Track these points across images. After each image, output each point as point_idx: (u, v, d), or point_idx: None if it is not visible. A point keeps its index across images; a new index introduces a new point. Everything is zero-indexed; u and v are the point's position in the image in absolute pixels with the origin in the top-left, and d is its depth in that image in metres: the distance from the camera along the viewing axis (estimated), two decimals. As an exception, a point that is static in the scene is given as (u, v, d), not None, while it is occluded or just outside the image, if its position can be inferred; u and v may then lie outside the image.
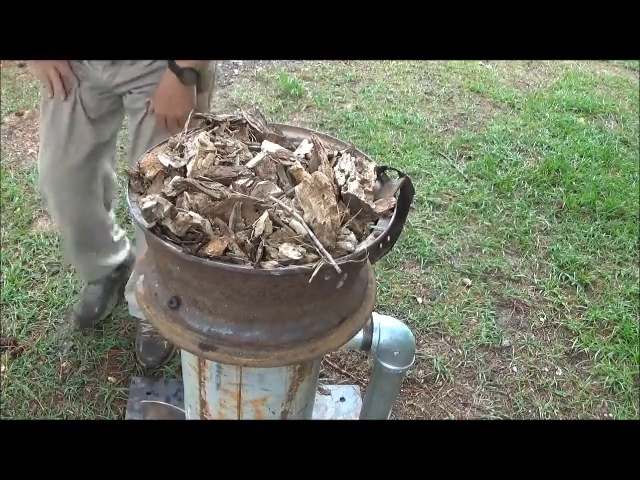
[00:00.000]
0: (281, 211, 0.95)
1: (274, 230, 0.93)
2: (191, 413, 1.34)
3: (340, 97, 3.73)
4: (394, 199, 1.05)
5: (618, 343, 2.18)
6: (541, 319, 2.28)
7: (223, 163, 1.03)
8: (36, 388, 1.84)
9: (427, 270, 2.44)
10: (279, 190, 1.01)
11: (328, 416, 1.84)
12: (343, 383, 1.97)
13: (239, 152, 1.06)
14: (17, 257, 2.29)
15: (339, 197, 1.01)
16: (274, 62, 4.08)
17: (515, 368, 2.08)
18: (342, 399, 1.89)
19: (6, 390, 1.82)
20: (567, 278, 2.46)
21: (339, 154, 1.12)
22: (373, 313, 1.29)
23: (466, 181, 3.02)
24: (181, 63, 1.46)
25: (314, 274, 0.88)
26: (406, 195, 1.10)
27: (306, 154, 1.11)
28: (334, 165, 1.08)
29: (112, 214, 1.99)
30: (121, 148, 2.63)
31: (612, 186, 3.03)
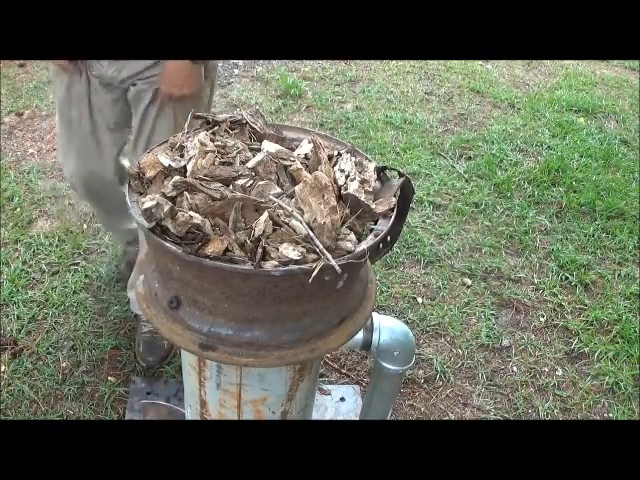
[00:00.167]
0: (281, 211, 0.95)
1: (274, 230, 0.93)
2: (191, 413, 1.34)
3: (340, 97, 3.73)
4: (394, 199, 1.05)
5: (618, 343, 2.18)
6: (541, 319, 2.28)
7: (223, 163, 1.03)
8: (36, 388, 1.84)
9: (427, 270, 2.44)
10: (279, 190, 1.01)
11: (328, 416, 1.84)
12: (343, 383, 1.97)
13: (239, 152, 1.06)
14: (17, 257, 2.29)
15: (339, 197, 1.01)
16: (274, 62, 4.08)
17: (515, 368, 2.08)
18: (342, 399, 1.89)
19: (6, 390, 1.82)
20: (567, 278, 2.46)
21: (339, 154, 1.12)
22: (373, 313, 1.29)
23: (466, 181, 3.02)
24: None
25: (314, 274, 0.88)
26: (406, 195, 1.10)
27: (306, 154, 1.11)
28: (334, 165, 1.08)
29: None
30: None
31: (612, 186, 3.03)
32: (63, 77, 1.69)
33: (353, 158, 1.09)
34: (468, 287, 2.38)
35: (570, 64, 4.53)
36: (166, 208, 0.91)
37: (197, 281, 0.96)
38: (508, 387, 2.01)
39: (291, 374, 1.18)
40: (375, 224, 1.01)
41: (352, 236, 0.97)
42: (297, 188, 0.96)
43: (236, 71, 3.96)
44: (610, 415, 1.95)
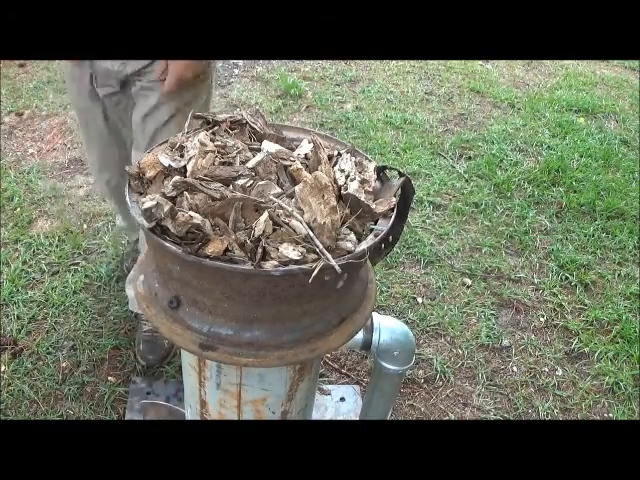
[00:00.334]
0: (281, 211, 0.94)
1: (274, 230, 0.93)
2: (191, 413, 1.34)
3: (340, 97, 3.73)
4: (394, 199, 1.05)
5: (618, 343, 2.18)
6: (541, 319, 2.28)
7: (223, 163, 1.03)
8: (36, 388, 1.84)
9: (427, 270, 2.44)
10: (279, 190, 1.00)
11: (328, 416, 1.84)
12: (343, 383, 1.97)
13: (239, 152, 1.06)
14: (17, 257, 2.29)
15: (339, 197, 1.01)
16: (274, 62, 4.09)
17: (515, 368, 2.08)
18: (342, 399, 1.89)
19: (6, 390, 1.82)
20: (567, 278, 2.46)
21: (339, 154, 1.12)
22: (373, 313, 1.29)
23: (466, 181, 3.02)
24: None
25: (314, 274, 0.88)
26: (406, 195, 1.10)
27: (306, 154, 1.11)
28: (334, 165, 1.08)
29: None
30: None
31: (612, 186, 3.03)
32: (74, 71, 1.71)
33: (353, 158, 1.09)
34: (468, 287, 2.38)
35: (570, 64, 4.53)
36: (166, 208, 0.91)
37: (197, 281, 0.96)
38: (508, 387, 2.01)
39: (291, 374, 1.18)
40: (375, 224, 1.01)
41: (352, 236, 0.97)
42: (297, 188, 0.96)
43: (236, 71, 3.96)
44: (610, 415, 1.95)
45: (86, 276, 2.24)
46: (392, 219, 1.02)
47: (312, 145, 1.10)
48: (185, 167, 1.02)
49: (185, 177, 0.99)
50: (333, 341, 1.06)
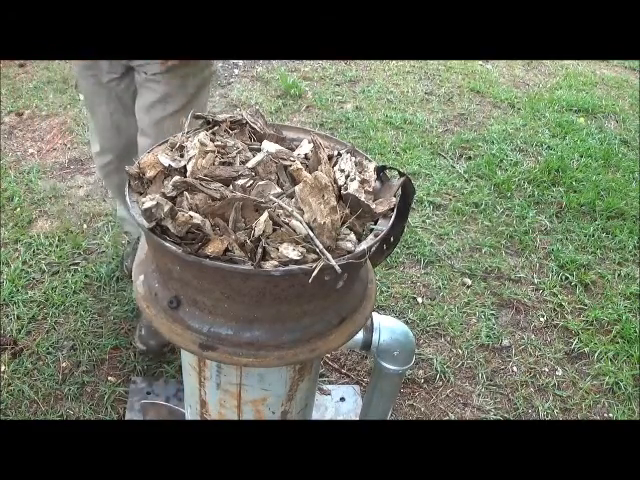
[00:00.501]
0: (281, 211, 0.94)
1: (274, 230, 0.93)
2: (191, 413, 1.34)
3: (340, 97, 3.73)
4: (394, 199, 1.05)
5: (618, 343, 2.18)
6: (541, 319, 2.28)
7: (223, 163, 1.03)
8: (36, 388, 1.84)
9: (427, 270, 2.44)
10: (279, 190, 1.00)
11: (328, 416, 1.84)
12: (343, 383, 1.97)
13: (239, 152, 1.06)
14: (17, 257, 2.29)
15: (339, 197, 1.01)
16: (274, 62, 4.09)
17: (515, 368, 2.08)
18: (342, 399, 1.89)
19: (6, 390, 1.82)
20: (567, 278, 2.46)
21: (339, 154, 1.12)
22: (373, 313, 1.29)
23: (466, 181, 3.02)
24: None
25: (314, 274, 0.88)
26: (406, 195, 1.10)
27: (306, 154, 1.11)
28: (334, 165, 1.08)
29: None
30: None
31: (612, 186, 3.03)
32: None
33: (353, 158, 1.09)
34: (468, 287, 2.38)
35: (570, 64, 4.53)
36: (166, 208, 0.91)
37: (197, 281, 0.96)
38: (508, 387, 2.01)
39: (291, 374, 1.18)
40: (375, 224, 1.01)
41: (352, 236, 0.97)
42: (297, 188, 0.96)
43: (236, 71, 3.96)
44: (610, 415, 1.95)
45: (86, 276, 2.23)
46: (392, 219, 1.02)
47: (312, 145, 1.10)
48: (185, 167, 1.02)
49: (185, 177, 0.99)
50: (333, 341, 1.06)
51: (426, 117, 3.58)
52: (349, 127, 3.38)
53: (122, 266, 2.27)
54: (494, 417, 1.91)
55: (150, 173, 1.02)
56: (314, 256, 0.90)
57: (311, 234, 0.91)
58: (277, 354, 1.01)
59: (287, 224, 0.93)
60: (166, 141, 1.12)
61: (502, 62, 4.44)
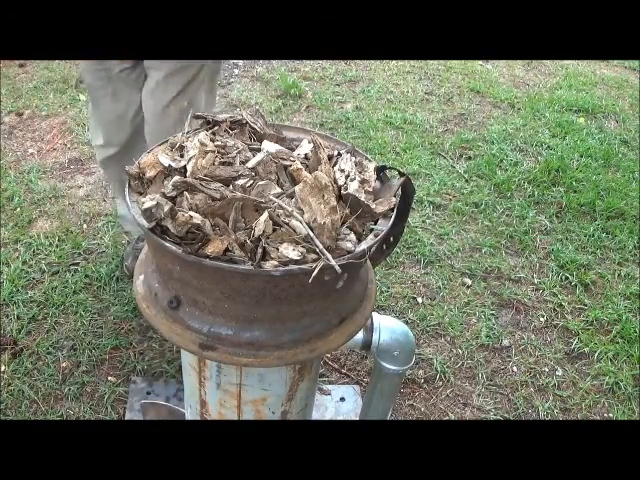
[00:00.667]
0: (281, 211, 0.95)
1: (274, 230, 0.93)
2: (191, 413, 1.34)
3: (340, 97, 3.73)
4: (394, 199, 1.05)
5: (618, 343, 2.18)
6: (541, 319, 2.28)
7: (223, 163, 1.03)
8: (36, 388, 1.84)
9: (427, 270, 2.44)
10: (279, 190, 1.00)
11: (328, 416, 1.84)
12: (343, 383, 1.97)
13: (239, 152, 1.06)
14: (17, 257, 2.29)
15: (339, 197, 1.01)
16: (274, 62, 4.09)
17: (515, 368, 2.08)
18: (342, 399, 1.89)
19: (6, 390, 1.82)
20: (567, 278, 2.46)
21: (339, 154, 1.12)
22: (373, 313, 1.29)
23: (466, 181, 3.02)
24: None
25: (314, 274, 0.88)
26: (407, 195, 1.10)
27: (306, 154, 1.11)
28: (334, 165, 1.08)
29: None
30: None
31: (612, 186, 3.03)
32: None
33: (353, 158, 1.09)
34: (468, 287, 2.38)
35: (570, 64, 4.53)
36: (166, 208, 0.91)
37: (197, 281, 0.96)
38: (508, 387, 2.01)
39: (291, 374, 1.18)
40: (375, 224, 1.01)
41: (352, 236, 0.97)
42: (297, 188, 0.96)
43: (236, 71, 3.96)
44: (610, 415, 1.95)
45: (86, 276, 2.23)
46: (392, 219, 1.02)
47: (312, 145, 1.10)
48: (185, 167, 1.02)
49: (185, 177, 0.99)
50: (333, 341, 1.06)
51: (426, 117, 3.58)
52: (349, 127, 3.38)
53: (122, 266, 2.27)
54: (494, 417, 1.91)
55: (150, 173, 1.02)
56: (314, 256, 0.90)
57: (311, 234, 0.91)
58: (277, 354, 1.01)
59: (287, 224, 0.93)
60: (166, 141, 1.12)
61: (502, 62, 4.43)
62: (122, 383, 1.89)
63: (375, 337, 1.33)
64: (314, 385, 1.32)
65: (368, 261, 1.04)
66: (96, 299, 2.16)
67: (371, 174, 1.08)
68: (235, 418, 1.24)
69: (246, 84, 3.79)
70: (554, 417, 1.93)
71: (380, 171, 1.13)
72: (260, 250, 0.89)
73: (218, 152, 1.05)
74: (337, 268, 0.88)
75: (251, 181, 0.99)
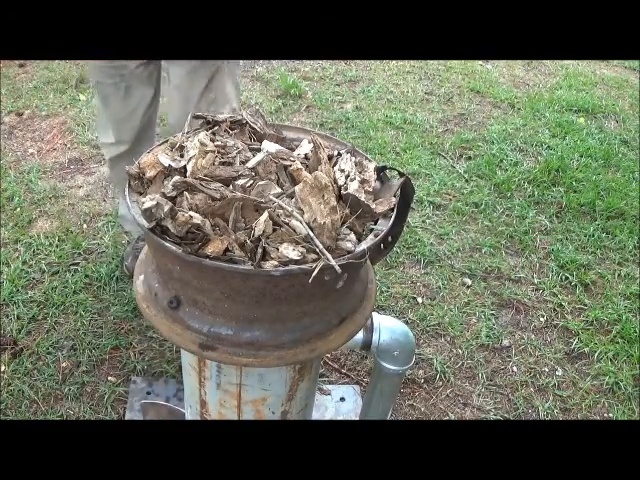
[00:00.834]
0: (281, 211, 0.95)
1: (274, 230, 0.93)
2: (191, 413, 1.34)
3: (340, 97, 3.73)
4: (394, 199, 1.05)
5: (618, 343, 2.18)
6: (541, 319, 2.28)
7: (223, 163, 1.03)
8: (36, 388, 1.84)
9: (427, 270, 2.44)
10: (279, 190, 1.01)
11: (328, 416, 1.84)
12: (343, 383, 1.97)
13: (239, 152, 1.06)
14: (17, 257, 2.29)
15: (339, 197, 1.01)
16: (274, 62, 4.09)
17: (515, 368, 2.08)
18: (342, 399, 1.89)
19: (6, 390, 1.82)
20: (567, 278, 2.46)
21: (339, 154, 1.12)
22: (373, 313, 1.29)
23: (466, 181, 3.02)
24: None
25: (314, 274, 0.88)
26: (406, 195, 1.10)
27: (306, 154, 1.11)
28: (334, 165, 1.08)
29: None
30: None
31: (612, 186, 3.03)
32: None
33: (353, 158, 1.09)
34: (468, 287, 2.38)
35: (570, 64, 4.53)
36: (166, 208, 0.91)
37: (197, 281, 0.96)
38: (508, 387, 2.01)
39: (291, 374, 1.18)
40: (375, 224, 1.01)
41: (352, 236, 0.97)
42: (297, 188, 0.96)
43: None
44: (610, 415, 1.95)
45: (86, 276, 2.23)
46: (392, 219, 1.02)
47: (312, 145, 1.10)
48: (185, 167, 1.02)
49: (185, 177, 0.99)
50: (333, 341, 1.06)
51: (426, 117, 3.58)
52: (349, 127, 3.38)
53: (122, 266, 2.27)
54: (494, 417, 1.91)
55: (150, 173, 1.02)
56: (314, 256, 0.90)
57: (311, 234, 0.91)
58: (277, 354, 1.01)
59: (287, 224, 0.93)
60: (166, 141, 1.12)
61: (502, 62, 4.43)
62: (122, 383, 1.89)
63: (375, 337, 1.33)
64: (314, 385, 1.32)
65: (368, 261, 1.04)
66: (96, 299, 2.16)
67: (371, 174, 1.08)
68: (235, 418, 1.24)
69: (246, 84, 3.79)
70: (554, 417, 1.93)
71: (380, 171, 1.13)
72: (260, 250, 0.89)
73: (218, 152, 1.05)
74: (337, 268, 0.88)
75: (251, 181, 0.99)
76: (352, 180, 1.03)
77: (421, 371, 2.03)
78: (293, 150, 1.13)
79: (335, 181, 1.03)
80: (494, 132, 3.45)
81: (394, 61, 4.26)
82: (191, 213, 0.92)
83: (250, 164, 1.03)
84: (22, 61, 3.73)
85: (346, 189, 1.01)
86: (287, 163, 1.05)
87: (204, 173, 0.99)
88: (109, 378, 1.90)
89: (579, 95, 4.00)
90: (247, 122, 1.15)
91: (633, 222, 2.80)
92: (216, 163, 1.03)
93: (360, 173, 1.06)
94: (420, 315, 2.22)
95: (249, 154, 1.08)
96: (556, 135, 3.50)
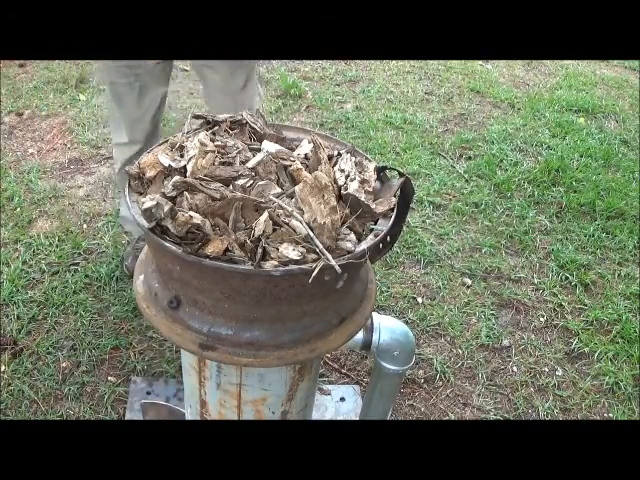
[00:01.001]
0: (281, 211, 0.95)
1: (274, 230, 0.93)
2: (191, 413, 1.34)
3: (340, 97, 3.73)
4: (394, 199, 1.05)
5: (618, 343, 2.18)
6: (541, 319, 2.28)
7: (223, 163, 1.03)
8: (36, 388, 1.84)
9: (427, 270, 2.44)
10: (279, 190, 1.01)
11: (328, 416, 1.84)
12: (343, 383, 1.97)
13: (239, 152, 1.06)
14: (17, 257, 2.29)
15: (339, 197, 1.01)
16: (274, 62, 4.09)
17: (515, 368, 2.08)
18: (342, 399, 1.89)
19: (6, 390, 1.82)
20: (567, 278, 2.46)
21: (339, 154, 1.12)
22: (373, 313, 1.29)
23: (466, 181, 3.02)
24: None
25: (314, 274, 0.88)
26: (406, 195, 1.10)
27: (306, 154, 1.11)
28: (334, 165, 1.08)
29: None
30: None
31: (612, 186, 3.03)
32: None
33: (353, 158, 1.09)
34: (468, 287, 2.38)
35: (570, 64, 4.53)
36: (166, 208, 0.91)
37: (197, 281, 0.96)
38: (508, 387, 2.01)
39: (291, 374, 1.18)
40: (375, 224, 1.01)
41: (352, 236, 0.97)
42: (297, 188, 0.96)
43: (236, 71, 3.95)
44: (610, 415, 1.95)
45: (86, 276, 2.23)
46: (392, 219, 1.02)
47: (312, 145, 1.10)
48: (185, 167, 1.02)
49: (185, 177, 0.99)
50: (333, 341, 1.06)
51: (426, 117, 3.58)
52: (349, 127, 3.38)
53: (122, 266, 2.27)
54: (494, 417, 1.91)
55: (150, 173, 1.02)
56: (314, 256, 0.90)
57: (311, 234, 0.91)
58: (277, 354, 1.01)
59: (287, 224, 0.93)
60: (166, 141, 1.12)
61: (502, 62, 4.43)
62: (122, 383, 1.89)
63: (375, 337, 1.33)
64: (314, 385, 1.32)
65: (368, 261, 1.04)
66: (96, 299, 2.16)
67: (371, 174, 1.08)
68: (235, 418, 1.24)
69: (246, 84, 3.79)
70: (554, 417, 1.93)
71: (380, 171, 1.13)
72: (260, 250, 0.89)
73: (218, 152, 1.05)
74: (337, 268, 0.88)
75: (251, 181, 0.99)
76: (352, 180, 1.03)
77: (421, 371, 2.03)
78: (293, 150, 1.13)
79: (335, 181, 1.03)
80: (494, 132, 3.45)
81: (394, 61, 4.26)
82: (191, 213, 0.92)
83: (250, 164, 1.03)
84: (22, 61, 3.73)
85: (346, 189, 1.01)
86: (287, 163, 1.05)
87: (204, 173, 0.99)
88: (109, 378, 1.90)
89: (579, 95, 4.00)
90: (247, 122, 1.15)
91: (633, 222, 2.80)
92: (216, 163, 1.03)
93: (360, 173, 1.06)
94: (420, 315, 2.22)
95: (249, 154, 1.08)
96: (556, 135, 3.50)
